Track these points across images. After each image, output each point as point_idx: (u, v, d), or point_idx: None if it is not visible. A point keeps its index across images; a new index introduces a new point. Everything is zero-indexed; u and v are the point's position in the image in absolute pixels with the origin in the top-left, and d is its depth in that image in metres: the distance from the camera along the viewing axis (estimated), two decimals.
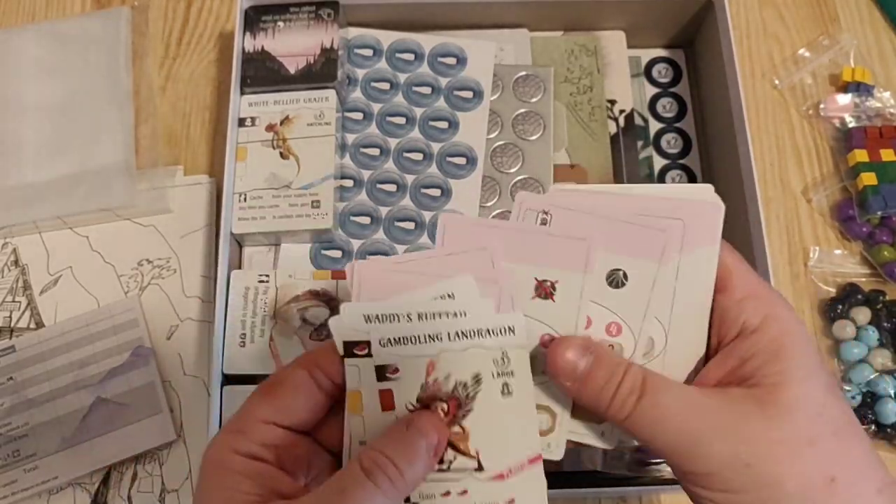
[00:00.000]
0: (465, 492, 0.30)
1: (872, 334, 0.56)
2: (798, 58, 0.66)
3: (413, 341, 0.30)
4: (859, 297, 0.58)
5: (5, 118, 0.62)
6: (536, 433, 0.31)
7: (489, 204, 0.56)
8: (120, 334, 0.57)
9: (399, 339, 0.30)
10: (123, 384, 0.55)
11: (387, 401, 0.30)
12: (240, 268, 0.56)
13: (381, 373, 0.30)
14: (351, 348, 0.30)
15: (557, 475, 0.52)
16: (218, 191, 0.60)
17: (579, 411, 0.32)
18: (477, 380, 0.30)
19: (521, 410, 0.30)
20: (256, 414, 0.30)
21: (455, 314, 0.30)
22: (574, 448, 0.52)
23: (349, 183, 0.57)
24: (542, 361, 0.31)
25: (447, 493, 0.30)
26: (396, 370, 0.30)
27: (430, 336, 0.30)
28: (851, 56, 0.65)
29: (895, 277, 0.58)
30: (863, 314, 0.57)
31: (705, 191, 0.32)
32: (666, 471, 0.51)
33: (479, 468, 0.30)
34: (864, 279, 0.59)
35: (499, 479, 0.30)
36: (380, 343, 0.30)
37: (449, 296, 0.30)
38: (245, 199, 0.54)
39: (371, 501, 0.27)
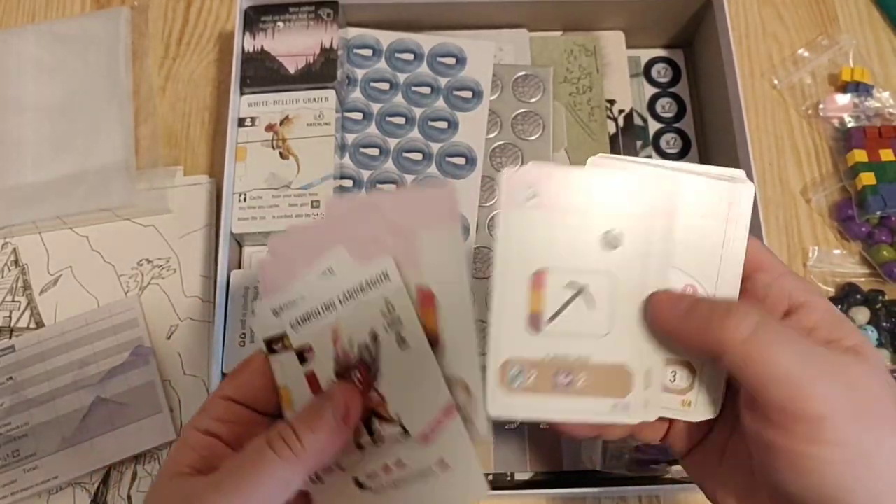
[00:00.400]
0: (399, 462, 0.31)
1: (871, 334, 0.56)
2: (797, 58, 0.66)
3: (314, 315, 0.31)
4: (858, 296, 0.58)
5: (5, 118, 0.62)
6: (441, 381, 0.31)
7: (488, 203, 0.57)
8: (120, 334, 0.57)
9: (303, 316, 0.31)
10: (123, 384, 0.55)
11: (314, 384, 0.32)
12: (239, 268, 0.56)
13: (301, 356, 0.31)
14: (271, 344, 0.32)
15: (557, 475, 0.52)
16: (218, 191, 0.60)
17: None
18: (374, 337, 0.31)
19: (422, 361, 0.31)
20: (218, 392, 0.33)
21: (336, 278, 0.31)
22: (574, 448, 0.52)
23: (349, 183, 0.57)
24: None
25: (386, 468, 0.31)
26: (311, 349, 0.31)
27: (324, 306, 0.31)
28: (851, 56, 0.65)
29: (894, 277, 0.58)
30: (862, 314, 0.57)
31: (737, 173, 0.33)
32: (669, 471, 0.51)
33: (405, 432, 0.31)
34: (863, 279, 0.59)
35: (424, 442, 0.31)
36: (291, 327, 0.31)
37: (329, 270, 0.31)
38: (245, 199, 0.54)
39: (271, 471, 0.28)
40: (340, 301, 0.31)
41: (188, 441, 0.32)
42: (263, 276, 0.32)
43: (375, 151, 0.58)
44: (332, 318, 0.31)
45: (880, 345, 0.56)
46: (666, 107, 0.63)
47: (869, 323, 0.57)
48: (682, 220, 0.32)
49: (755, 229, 0.51)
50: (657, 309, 0.31)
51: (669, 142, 0.62)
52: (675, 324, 0.30)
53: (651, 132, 0.62)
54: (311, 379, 0.32)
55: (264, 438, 0.29)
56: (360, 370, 0.31)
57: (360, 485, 0.31)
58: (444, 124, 0.58)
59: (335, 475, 0.32)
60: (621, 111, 0.61)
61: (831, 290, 0.59)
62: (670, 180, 0.31)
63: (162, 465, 0.33)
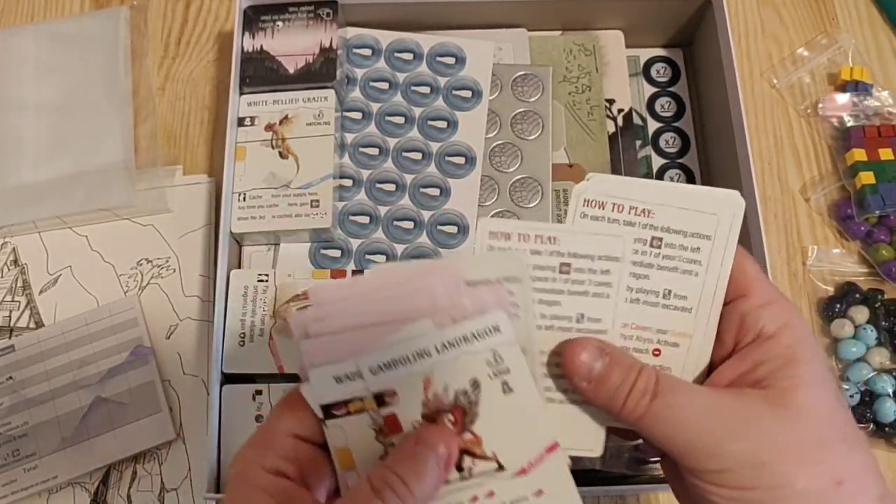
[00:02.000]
0: (491, 493, 0.30)
1: (871, 333, 0.56)
2: (796, 57, 0.66)
3: (403, 363, 0.29)
4: (857, 296, 0.58)
5: (4, 118, 0.62)
6: (547, 422, 0.31)
7: (488, 203, 0.57)
8: (119, 334, 0.57)
9: (388, 363, 0.29)
10: (123, 383, 0.55)
11: (392, 425, 0.30)
12: (239, 267, 0.56)
13: (381, 399, 0.30)
14: (330, 410, 0.30)
15: None
16: (217, 190, 0.60)
17: None
18: (475, 385, 0.30)
19: (527, 404, 0.30)
20: (280, 426, 0.31)
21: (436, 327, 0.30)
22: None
23: (348, 182, 0.57)
24: None
25: (474, 498, 0.30)
26: (394, 393, 0.30)
27: (417, 354, 0.29)
28: (850, 55, 0.65)
29: (893, 276, 0.58)
30: (861, 313, 0.57)
31: (731, 195, 0.33)
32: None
33: (500, 468, 0.30)
34: (862, 278, 0.59)
35: (522, 475, 0.30)
36: (370, 371, 0.29)
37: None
38: (244, 199, 0.54)
39: None
40: (438, 350, 0.30)
41: (258, 483, 0.29)
42: (312, 341, 0.30)
43: (375, 151, 0.58)
44: (427, 366, 0.29)
45: (879, 344, 0.56)
46: (665, 106, 0.63)
47: (868, 322, 0.57)
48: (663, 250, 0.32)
49: (755, 229, 0.51)
50: (567, 367, 0.31)
51: (668, 141, 0.62)
52: (587, 390, 0.31)
53: (650, 131, 0.62)
54: (390, 419, 0.30)
55: (368, 486, 0.28)
56: (455, 414, 0.30)
57: None
58: (443, 124, 0.58)
59: None
60: (620, 110, 0.61)
61: (830, 290, 0.59)
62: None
63: None
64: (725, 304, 0.32)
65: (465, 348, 0.29)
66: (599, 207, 0.32)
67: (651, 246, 0.32)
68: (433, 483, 0.29)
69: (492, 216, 0.56)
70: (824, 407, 0.29)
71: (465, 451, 0.30)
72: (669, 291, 0.32)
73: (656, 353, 0.33)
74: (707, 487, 0.29)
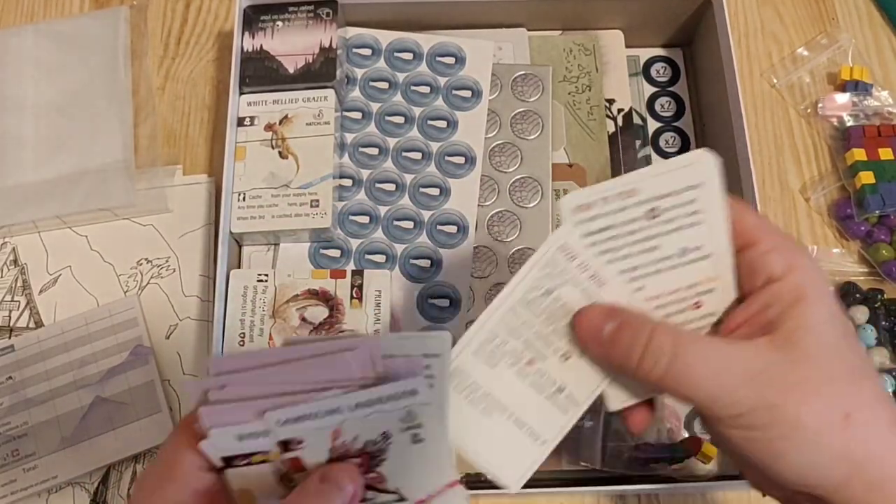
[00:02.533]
0: None
1: (870, 333, 0.56)
2: (796, 57, 0.66)
3: (312, 418, 0.29)
4: (857, 295, 0.58)
5: (4, 118, 0.62)
6: (452, 463, 0.31)
7: (488, 203, 0.57)
8: (119, 333, 0.57)
9: (297, 418, 0.29)
10: (123, 383, 0.55)
11: (297, 466, 0.30)
12: (239, 267, 0.56)
13: (286, 445, 0.30)
14: (231, 461, 0.30)
15: (557, 474, 0.52)
16: (217, 190, 0.60)
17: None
18: (385, 436, 0.30)
19: (434, 451, 0.31)
20: (184, 460, 0.30)
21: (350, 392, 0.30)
22: (574, 447, 0.52)
23: (348, 182, 0.57)
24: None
25: None
26: (300, 441, 0.30)
27: (328, 411, 0.29)
28: (850, 55, 0.65)
29: (893, 276, 0.58)
30: (861, 313, 0.57)
31: (701, 155, 0.33)
32: (669, 470, 0.52)
33: (401, 499, 0.31)
34: (862, 278, 0.59)
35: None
36: (277, 423, 0.29)
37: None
38: (244, 199, 0.54)
39: None
40: (350, 409, 0.29)
41: None
42: (212, 407, 0.29)
43: (375, 151, 0.58)
44: (336, 420, 0.30)
45: (879, 343, 0.56)
46: (665, 106, 0.63)
47: (868, 322, 0.57)
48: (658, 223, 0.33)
49: None
50: (580, 331, 0.33)
51: (668, 141, 0.62)
52: (599, 351, 0.32)
53: (650, 131, 0.62)
54: (295, 462, 0.30)
55: None
56: (362, 459, 0.31)
57: None
58: (443, 123, 0.58)
59: None
60: (620, 110, 0.61)
61: (830, 289, 0.59)
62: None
63: None
64: (737, 253, 0.33)
65: (378, 408, 0.29)
66: (588, 209, 0.33)
67: (651, 219, 0.33)
68: None
69: (493, 213, 0.56)
70: (829, 344, 0.30)
71: (372, 487, 0.31)
72: (684, 249, 0.33)
73: (697, 305, 0.34)
74: (726, 431, 0.30)
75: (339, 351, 0.29)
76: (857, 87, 0.63)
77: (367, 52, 0.60)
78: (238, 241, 0.56)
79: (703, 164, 0.33)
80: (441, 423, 0.31)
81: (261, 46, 0.57)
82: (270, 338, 0.52)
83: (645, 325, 0.31)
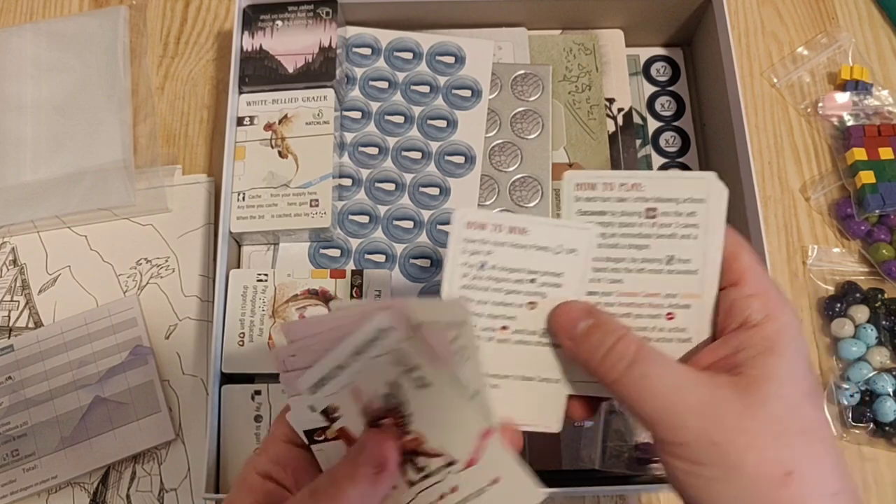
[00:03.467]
0: (455, 488, 0.32)
1: (871, 332, 0.56)
2: (796, 56, 0.66)
3: (329, 378, 0.31)
4: (858, 295, 0.58)
5: (4, 117, 0.62)
6: (472, 408, 0.32)
7: (488, 202, 0.56)
8: (119, 333, 0.57)
9: (319, 382, 0.31)
10: (122, 383, 0.55)
11: (347, 438, 0.32)
12: (238, 267, 0.56)
13: (329, 416, 0.31)
14: (311, 436, 0.32)
15: (557, 474, 0.52)
16: (216, 190, 0.60)
17: None
18: (395, 386, 0.31)
19: (447, 394, 0.31)
20: (277, 432, 0.33)
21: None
22: (574, 447, 0.52)
23: (348, 182, 0.57)
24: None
25: (443, 496, 0.32)
26: (336, 408, 0.31)
27: (337, 368, 0.30)
28: (850, 54, 0.65)
29: (893, 276, 0.58)
30: (861, 312, 0.57)
31: (711, 177, 0.34)
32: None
33: (451, 462, 0.32)
34: (862, 277, 0.59)
35: (473, 465, 0.32)
36: (310, 392, 0.31)
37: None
38: (243, 199, 0.54)
39: None
40: (349, 360, 0.31)
41: (248, 484, 0.32)
42: (288, 375, 0.32)
43: (374, 150, 0.57)
44: (346, 377, 0.31)
45: (880, 343, 0.56)
46: (665, 105, 0.63)
47: (868, 321, 0.57)
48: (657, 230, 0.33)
49: (755, 229, 0.51)
50: (556, 323, 0.33)
51: (669, 140, 0.62)
52: (569, 345, 0.33)
53: (650, 131, 0.62)
54: (344, 433, 0.32)
55: (308, 491, 0.30)
56: (390, 416, 0.32)
57: None
58: (443, 123, 0.58)
59: None
60: (620, 110, 0.61)
61: (831, 289, 0.59)
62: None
63: None
64: (719, 290, 0.33)
65: (369, 353, 0.30)
66: (590, 188, 0.33)
67: (647, 217, 0.33)
68: (367, 484, 0.30)
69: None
70: (789, 398, 0.30)
71: (417, 452, 0.32)
72: (672, 257, 0.33)
73: (670, 316, 0.34)
74: (668, 459, 0.30)
75: (375, 311, 0.30)
76: (857, 86, 0.63)
77: (367, 51, 0.60)
78: (238, 241, 0.56)
79: (712, 184, 0.33)
80: (432, 363, 0.32)
81: (260, 46, 0.57)
82: (270, 338, 0.52)
83: (616, 329, 0.32)
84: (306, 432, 0.32)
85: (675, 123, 0.62)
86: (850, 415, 0.55)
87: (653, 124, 0.62)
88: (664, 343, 0.34)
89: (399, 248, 0.55)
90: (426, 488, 0.32)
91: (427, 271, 0.55)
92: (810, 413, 0.30)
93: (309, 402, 0.31)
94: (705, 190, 0.33)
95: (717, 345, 0.32)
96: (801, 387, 0.30)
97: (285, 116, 0.56)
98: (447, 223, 0.56)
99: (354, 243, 0.56)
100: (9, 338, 0.57)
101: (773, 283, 0.33)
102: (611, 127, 0.60)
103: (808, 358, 0.31)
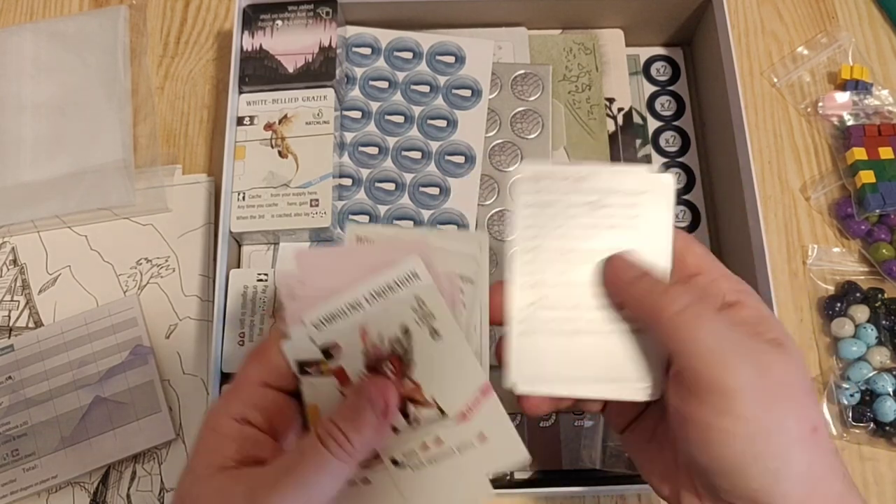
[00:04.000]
0: (438, 439, 0.32)
1: (871, 332, 0.56)
2: (796, 56, 0.66)
3: (340, 315, 0.32)
4: (858, 294, 0.58)
5: (4, 117, 0.62)
6: (477, 364, 0.32)
7: (488, 202, 0.56)
8: (119, 333, 0.57)
9: (327, 316, 0.32)
10: (122, 383, 0.55)
11: (343, 378, 0.32)
12: (238, 266, 0.56)
13: (328, 353, 0.32)
14: (304, 367, 0.32)
15: (557, 474, 0.52)
16: (216, 190, 0.60)
17: None
18: (406, 332, 0.32)
19: (456, 349, 0.32)
20: (249, 376, 0.33)
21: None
22: (574, 447, 0.52)
23: (348, 182, 0.57)
24: None
25: (425, 446, 0.32)
26: (337, 346, 0.32)
27: (350, 306, 0.31)
28: (850, 54, 0.65)
29: (893, 275, 0.58)
30: (861, 312, 0.57)
31: (650, 169, 0.35)
32: None
33: (442, 413, 0.32)
34: (862, 277, 0.59)
35: (463, 420, 0.32)
36: (314, 326, 0.32)
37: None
38: (244, 198, 0.54)
39: (325, 466, 0.30)
40: (367, 300, 0.32)
41: (223, 430, 0.31)
42: (295, 302, 0.32)
43: (374, 150, 0.57)
44: (360, 317, 0.32)
45: (880, 343, 0.56)
46: (665, 105, 0.63)
47: (868, 321, 0.57)
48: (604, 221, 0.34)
49: (755, 229, 0.51)
50: (610, 270, 0.34)
51: (669, 140, 0.62)
52: (622, 287, 0.33)
53: (650, 130, 0.62)
54: (340, 373, 0.32)
55: (315, 437, 0.30)
56: (391, 362, 0.32)
57: (396, 463, 0.32)
58: (443, 123, 0.58)
59: (372, 459, 0.33)
60: (620, 109, 0.61)
61: (831, 289, 0.59)
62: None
63: (193, 455, 0.31)
64: (682, 283, 0.34)
65: (390, 296, 0.31)
66: (536, 181, 0.34)
67: (592, 207, 0.34)
68: (372, 432, 0.31)
69: (493, 213, 0.56)
70: (803, 360, 0.31)
71: (409, 399, 0.32)
72: (614, 248, 0.34)
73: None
74: (705, 415, 0.29)
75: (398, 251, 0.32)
76: (857, 86, 0.63)
77: (367, 51, 0.60)
78: (238, 241, 0.56)
79: (659, 179, 0.34)
80: (451, 317, 0.33)
81: (260, 46, 0.57)
82: None
83: (666, 282, 0.32)
84: (298, 363, 0.32)
85: (675, 123, 0.62)
86: (850, 414, 0.55)
87: (653, 124, 0.62)
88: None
89: None
90: (410, 438, 0.32)
91: None
92: (807, 374, 0.32)
93: (313, 334, 0.32)
94: (651, 184, 0.34)
95: None
96: (799, 350, 0.32)
97: (285, 116, 0.56)
98: (447, 223, 0.56)
99: None
100: (9, 338, 0.57)
101: (724, 266, 0.34)
102: (611, 127, 0.60)
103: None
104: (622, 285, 0.33)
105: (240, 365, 0.33)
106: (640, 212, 0.34)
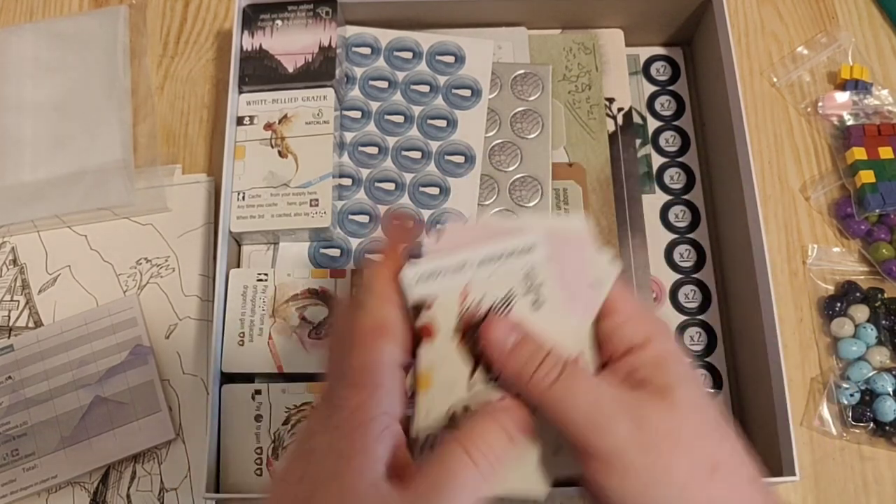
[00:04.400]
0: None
1: (871, 332, 0.56)
2: (796, 55, 0.66)
3: (444, 273, 0.32)
4: (857, 294, 0.58)
5: (3, 117, 0.62)
6: (575, 334, 0.33)
7: (488, 202, 0.56)
8: (119, 333, 0.56)
9: (430, 273, 0.32)
10: (122, 383, 0.55)
11: (428, 333, 0.33)
12: (238, 266, 0.56)
13: (418, 309, 0.32)
14: (418, 310, 0.33)
15: None
16: (216, 189, 0.60)
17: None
18: (508, 299, 0.33)
19: (554, 320, 0.33)
20: (381, 357, 0.32)
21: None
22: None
23: (348, 181, 0.57)
24: None
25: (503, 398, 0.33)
26: (431, 304, 0.32)
27: (458, 265, 0.32)
28: (850, 54, 0.65)
29: (893, 275, 0.58)
30: (861, 312, 0.57)
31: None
32: None
33: None
34: (862, 277, 0.59)
35: None
36: (416, 281, 0.32)
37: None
38: (243, 198, 0.54)
39: (471, 481, 0.29)
40: (477, 264, 0.32)
41: (379, 431, 0.30)
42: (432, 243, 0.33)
43: (374, 150, 0.57)
44: (465, 279, 0.32)
45: (879, 343, 0.56)
46: (665, 105, 0.62)
47: (868, 321, 0.57)
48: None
49: (755, 229, 0.51)
50: (485, 338, 0.32)
51: (668, 140, 0.62)
52: (500, 360, 0.32)
53: (650, 130, 0.62)
54: (426, 330, 0.32)
55: (460, 446, 0.30)
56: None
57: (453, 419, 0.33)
58: (443, 122, 0.58)
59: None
60: (620, 109, 0.61)
61: (830, 288, 0.59)
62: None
63: (348, 455, 0.29)
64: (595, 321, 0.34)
65: (502, 263, 0.32)
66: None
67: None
68: (506, 445, 0.31)
69: (493, 213, 0.56)
70: (697, 402, 0.31)
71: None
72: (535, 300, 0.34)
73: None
74: (597, 478, 0.30)
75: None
76: (857, 85, 0.63)
77: (367, 50, 0.60)
78: (237, 241, 0.56)
79: (539, 236, 0.34)
80: (558, 288, 0.33)
81: (260, 45, 0.57)
82: (270, 337, 0.52)
83: (544, 346, 0.32)
84: (414, 307, 0.33)
85: (675, 123, 0.62)
86: (850, 414, 0.55)
87: (653, 124, 0.62)
88: None
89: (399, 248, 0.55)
90: (483, 395, 0.33)
91: None
92: (714, 411, 0.32)
93: (411, 285, 0.32)
94: (532, 241, 0.33)
95: (610, 371, 0.33)
96: (700, 387, 0.33)
97: (285, 116, 0.56)
98: (447, 223, 0.56)
99: (354, 243, 0.56)
100: (9, 337, 0.57)
101: (639, 302, 0.35)
102: (611, 126, 0.60)
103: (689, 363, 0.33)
104: (499, 358, 0.32)
105: (360, 353, 0.32)
106: (538, 276, 0.33)
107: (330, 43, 0.57)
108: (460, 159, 0.57)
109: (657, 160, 0.61)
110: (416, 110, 0.58)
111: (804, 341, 0.58)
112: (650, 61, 0.64)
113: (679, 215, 0.59)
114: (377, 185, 0.57)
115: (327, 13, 0.57)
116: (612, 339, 0.33)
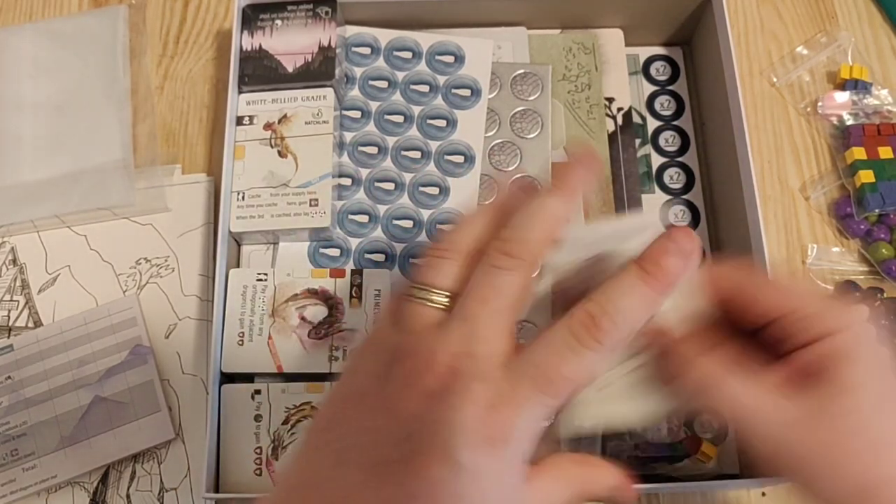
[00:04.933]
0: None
1: None
2: (796, 55, 0.66)
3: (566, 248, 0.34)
4: (857, 294, 0.58)
5: (3, 117, 0.62)
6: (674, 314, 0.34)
7: (487, 202, 0.56)
8: (118, 333, 0.56)
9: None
10: (122, 383, 0.55)
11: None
12: (238, 266, 0.56)
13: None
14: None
15: None
16: (216, 189, 0.60)
17: None
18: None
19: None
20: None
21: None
22: (574, 447, 0.52)
23: (347, 181, 0.57)
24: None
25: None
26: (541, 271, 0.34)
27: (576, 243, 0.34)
28: (849, 53, 0.65)
29: (893, 275, 0.58)
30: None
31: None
32: (665, 469, 0.51)
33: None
34: (861, 277, 0.59)
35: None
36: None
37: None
38: (243, 198, 0.54)
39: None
40: (595, 243, 0.34)
41: (534, 432, 0.29)
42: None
43: (374, 150, 0.57)
44: (582, 252, 0.34)
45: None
46: (665, 104, 0.62)
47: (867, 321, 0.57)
48: None
49: (755, 228, 0.51)
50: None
51: (668, 139, 0.62)
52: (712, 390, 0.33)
53: (650, 130, 0.62)
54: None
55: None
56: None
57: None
58: (442, 122, 0.58)
59: None
60: (620, 109, 0.61)
61: (830, 288, 0.59)
62: None
63: (512, 449, 0.28)
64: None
65: (617, 246, 0.33)
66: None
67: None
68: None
69: None
70: (874, 406, 0.31)
71: None
72: None
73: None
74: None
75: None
76: (856, 85, 0.63)
77: (367, 50, 0.60)
78: (237, 241, 0.56)
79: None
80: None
81: (260, 45, 0.57)
82: (270, 338, 0.52)
83: (688, 357, 0.32)
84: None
85: (675, 123, 0.62)
86: None
87: (652, 123, 0.62)
88: None
89: (399, 248, 0.55)
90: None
91: None
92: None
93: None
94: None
95: (784, 363, 0.32)
96: (884, 391, 0.31)
97: (285, 116, 0.56)
98: (447, 223, 0.56)
99: (354, 243, 0.56)
100: (8, 337, 0.57)
101: (828, 297, 0.34)
102: (610, 126, 0.60)
103: (888, 361, 0.32)
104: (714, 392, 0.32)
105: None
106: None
107: (329, 43, 0.57)
108: (460, 159, 0.57)
109: (657, 160, 0.61)
110: (416, 110, 0.58)
111: None
112: (650, 61, 0.64)
113: (679, 215, 0.59)
114: (377, 184, 0.57)
115: (327, 13, 0.57)
116: (797, 331, 0.32)
